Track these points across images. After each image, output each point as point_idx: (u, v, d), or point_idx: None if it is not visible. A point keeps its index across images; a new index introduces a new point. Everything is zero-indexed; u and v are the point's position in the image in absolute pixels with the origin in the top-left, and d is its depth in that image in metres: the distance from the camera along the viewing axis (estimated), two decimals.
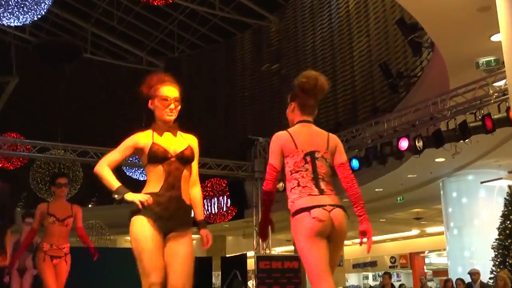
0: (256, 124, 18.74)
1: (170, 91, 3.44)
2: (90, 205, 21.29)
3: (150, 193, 3.16)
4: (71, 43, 16.90)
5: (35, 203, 7.65)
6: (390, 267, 23.37)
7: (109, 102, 22.58)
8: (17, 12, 10.56)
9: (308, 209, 3.05)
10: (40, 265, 5.61)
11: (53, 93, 21.06)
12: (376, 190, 14.05)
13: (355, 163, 10.61)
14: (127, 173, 15.74)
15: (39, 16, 10.90)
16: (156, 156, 3.20)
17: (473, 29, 7.79)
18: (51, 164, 14.49)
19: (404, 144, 9.46)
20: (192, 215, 3.41)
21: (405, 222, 19.18)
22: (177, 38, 20.59)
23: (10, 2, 10.40)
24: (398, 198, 15.21)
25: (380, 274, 19.94)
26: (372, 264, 24.82)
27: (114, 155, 3.35)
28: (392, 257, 23.94)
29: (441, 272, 21.31)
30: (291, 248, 18.54)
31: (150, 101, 3.45)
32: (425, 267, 23.59)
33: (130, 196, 3.13)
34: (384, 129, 10.20)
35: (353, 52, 16.03)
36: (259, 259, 12.10)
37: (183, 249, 3.20)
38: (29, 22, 11.33)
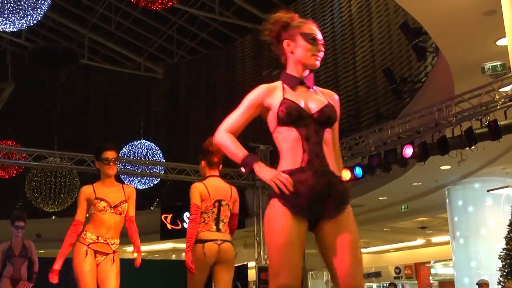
0: (256, 131, 18.42)
1: (315, 30, 2.66)
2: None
3: (290, 171, 2.46)
4: (68, 49, 16.74)
5: (30, 213, 7.46)
6: (395, 277, 23.11)
7: (106, 109, 22.42)
8: (12, 18, 10.37)
9: (203, 241, 4.35)
10: (79, 262, 4.34)
11: (49, 100, 20.88)
12: (380, 198, 13.88)
13: (358, 170, 10.44)
14: (125, 182, 15.48)
15: (35, 22, 10.73)
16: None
17: (479, 34, 7.72)
18: (48, 172, 14.29)
19: (408, 151, 9.34)
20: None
21: (410, 231, 18.95)
22: (176, 44, 20.42)
23: (5, 7, 10.22)
24: (403, 207, 15.02)
25: (385, 285, 19.73)
26: (376, 275, 24.54)
27: (236, 118, 2.69)
28: (397, 268, 23.68)
29: (447, 283, 21.02)
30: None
31: (286, 41, 2.66)
32: (430, 277, 23.32)
33: (263, 172, 2.45)
34: (388, 136, 10.06)
35: (356, 58, 15.83)
36: (260, 269, 11.95)
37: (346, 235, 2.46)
38: (25, 27, 11.15)
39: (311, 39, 2.61)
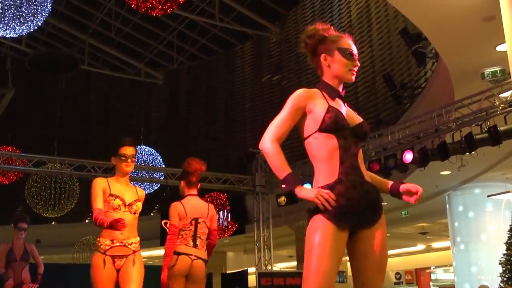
0: (257, 136, 18.41)
1: (352, 45, 2.74)
2: (87, 221, 21.04)
3: (328, 185, 2.50)
4: (68, 55, 16.76)
5: (30, 218, 7.38)
6: (395, 283, 23.06)
7: (107, 114, 22.42)
8: (13, 24, 10.39)
9: (178, 254, 4.67)
10: (96, 274, 4.11)
11: (49, 105, 20.89)
12: None
13: None
14: None
15: (35, 28, 10.75)
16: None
17: (478, 39, 7.71)
18: (47, 178, 14.27)
19: (408, 156, 9.34)
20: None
21: (410, 237, 18.91)
22: (176, 49, 20.43)
23: (6, 13, 10.23)
24: (403, 212, 14.97)
25: None
26: None
27: (281, 124, 2.58)
28: (397, 273, 23.62)
29: None
30: (294, 264, 18.26)
31: (323, 55, 2.67)
32: (431, 283, 23.26)
33: (304, 193, 2.48)
34: (388, 142, 10.06)
35: None
36: (260, 275, 11.91)
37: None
38: (26, 33, 11.16)
39: (348, 54, 2.67)
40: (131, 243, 4.22)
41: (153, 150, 16.04)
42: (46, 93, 21.42)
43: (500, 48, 7.69)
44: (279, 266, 22.85)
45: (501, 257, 10.66)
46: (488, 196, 12.19)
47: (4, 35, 10.70)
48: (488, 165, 10.96)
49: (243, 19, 17.80)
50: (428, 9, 7.14)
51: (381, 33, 14.75)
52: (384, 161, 9.89)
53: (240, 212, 15.29)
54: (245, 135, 19.31)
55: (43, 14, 10.50)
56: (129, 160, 4.26)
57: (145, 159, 15.41)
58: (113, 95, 22.64)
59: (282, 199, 12.04)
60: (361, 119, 2.70)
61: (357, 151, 2.59)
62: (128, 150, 4.27)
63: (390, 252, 22.41)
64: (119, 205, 4.17)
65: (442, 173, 11.30)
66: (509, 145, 8.67)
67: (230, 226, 15.47)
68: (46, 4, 10.00)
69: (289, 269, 21.08)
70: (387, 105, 14.43)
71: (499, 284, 10.59)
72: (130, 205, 4.22)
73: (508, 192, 11.93)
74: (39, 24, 10.70)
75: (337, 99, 2.67)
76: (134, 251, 4.23)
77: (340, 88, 2.72)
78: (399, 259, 23.28)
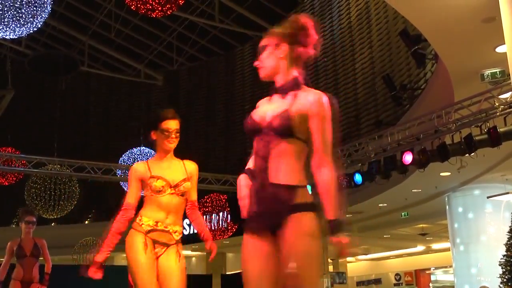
0: None
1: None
2: (86, 222, 21.03)
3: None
4: (68, 56, 16.75)
5: None
6: (395, 284, 23.06)
7: (106, 116, 22.41)
8: (12, 25, 10.38)
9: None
10: (135, 255, 3.51)
11: (49, 107, 20.88)
12: (380, 205, 13.84)
13: (358, 177, 10.44)
14: (125, 188, 15.45)
15: (35, 29, 10.73)
16: None
17: (478, 41, 7.71)
18: (47, 179, 14.26)
19: (408, 158, 9.35)
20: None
21: (410, 238, 18.90)
22: (176, 51, 20.43)
23: (5, 14, 10.23)
24: (403, 214, 14.97)
25: None
26: (376, 282, 24.46)
27: None
28: (397, 274, 23.62)
29: None
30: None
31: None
32: (431, 284, 23.25)
33: None
34: (388, 143, 10.05)
35: (356, 64, 15.83)
36: None
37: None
38: (25, 34, 11.16)
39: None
40: (175, 231, 3.63)
41: (153, 151, 16.02)
42: (45, 94, 21.41)
43: (499, 49, 7.69)
44: None
45: (501, 258, 10.66)
46: (488, 197, 12.17)
47: (4, 36, 10.69)
48: (487, 166, 10.94)
49: (243, 20, 17.81)
50: (427, 11, 7.14)
51: (381, 35, 14.75)
52: (383, 162, 9.90)
53: (240, 213, 15.24)
54: (245, 136, 19.19)
55: (43, 15, 10.50)
56: (173, 135, 3.70)
57: (144, 160, 15.40)
58: (113, 97, 22.64)
59: None
60: (281, 110, 2.48)
61: (270, 151, 2.45)
62: (171, 124, 3.72)
63: (390, 253, 22.44)
64: (162, 187, 3.59)
65: (441, 174, 11.27)
66: (509, 147, 8.67)
67: (229, 227, 15.46)
68: (46, 5, 10.00)
69: None
70: (386, 106, 14.43)
71: (499, 285, 10.59)
72: (176, 186, 3.62)
73: (507, 193, 11.91)
74: (39, 26, 10.68)
75: (276, 95, 2.61)
76: (177, 241, 3.66)
77: (280, 82, 2.64)
78: (399, 260, 23.28)
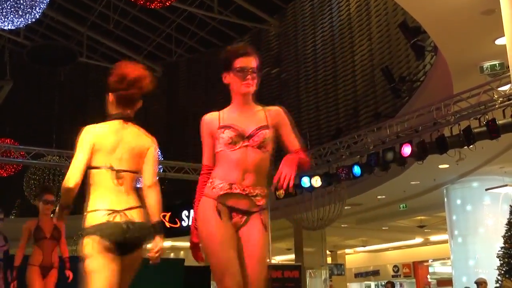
0: None
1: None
2: (85, 213, 21.01)
3: None
4: (66, 47, 16.71)
5: (28, 211, 7.28)
6: (393, 276, 23.13)
7: (105, 107, 22.37)
8: (11, 16, 10.35)
9: None
10: (208, 226, 2.81)
11: (47, 98, 20.86)
12: (379, 197, 13.88)
13: (356, 169, 10.45)
14: None
15: (33, 20, 10.70)
16: None
17: (477, 33, 7.70)
18: (46, 170, 14.26)
19: (407, 150, 9.35)
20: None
21: (408, 230, 18.98)
22: (175, 42, 20.38)
23: (4, 5, 10.20)
24: (401, 206, 15.02)
25: (383, 283, 19.74)
26: (374, 273, 24.57)
27: None
28: (395, 266, 23.72)
29: (445, 281, 21.06)
30: (292, 257, 18.28)
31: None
32: (429, 276, 23.36)
33: None
34: (387, 135, 10.05)
35: (355, 56, 15.81)
36: None
37: None
38: (24, 25, 11.13)
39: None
40: (256, 194, 2.85)
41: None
42: (44, 85, 21.38)
43: (499, 41, 7.68)
44: (277, 259, 22.90)
45: (499, 251, 10.70)
46: (486, 189, 12.22)
47: (2, 27, 10.66)
48: (486, 159, 10.98)
49: (242, 12, 17.76)
50: (427, 3, 7.13)
51: (380, 27, 14.72)
52: (382, 155, 9.89)
53: None
54: None
55: (41, 6, 10.47)
56: (249, 76, 2.94)
57: None
58: None
59: (280, 192, 12.03)
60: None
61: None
62: (247, 62, 2.96)
63: (388, 245, 22.51)
64: (231, 138, 2.86)
65: (440, 166, 11.31)
66: (508, 139, 8.68)
67: None
68: None
69: (287, 262, 21.13)
70: (385, 98, 14.43)
71: (497, 277, 10.63)
72: (251, 136, 2.86)
73: (506, 185, 11.96)
74: (37, 17, 10.65)
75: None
76: (261, 209, 2.88)
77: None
78: (397, 252, 23.37)
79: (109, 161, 3.04)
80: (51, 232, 5.91)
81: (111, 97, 3.27)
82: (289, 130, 2.99)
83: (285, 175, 2.70)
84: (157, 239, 2.99)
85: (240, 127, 2.89)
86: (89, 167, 3.03)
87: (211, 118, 3.02)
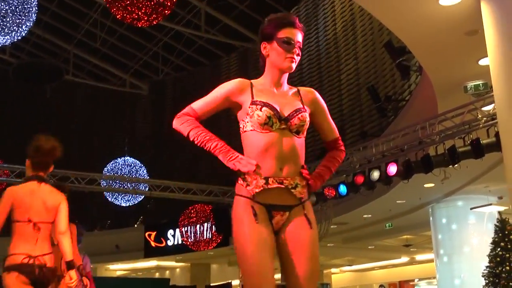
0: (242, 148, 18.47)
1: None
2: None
3: None
4: (53, 65, 16.65)
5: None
6: None
7: (91, 125, 22.28)
8: None
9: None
10: (242, 228, 2.45)
11: (33, 115, 20.72)
12: (364, 216, 13.85)
13: (342, 188, 10.47)
14: (109, 199, 15.36)
15: (19, 38, 10.65)
16: None
17: (461, 53, 7.77)
18: None
19: (392, 169, 9.39)
20: None
21: (394, 249, 18.95)
22: (162, 60, 20.41)
23: None
24: (387, 225, 15.00)
25: None
26: None
27: None
28: (381, 285, 23.65)
29: None
30: (278, 276, 18.16)
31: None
32: None
33: None
34: (372, 154, 10.10)
35: (341, 75, 15.91)
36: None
37: None
38: (10, 43, 11.06)
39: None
40: (296, 186, 2.48)
41: (137, 161, 15.97)
42: (30, 103, 21.25)
43: (482, 62, 7.75)
44: None
45: (484, 270, 10.67)
46: (471, 208, 12.21)
47: None
48: (471, 178, 11.01)
49: (229, 31, 17.85)
50: (412, 23, 7.19)
51: (366, 46, 14.84)
52: (368, 173, 9.92)
53: (225, 224, 15.21)
54: (231, 146, 19.28)
55: (28, 24, 10.43)
56: (295, 50, 2.56)
57: (128, 170, 15.34)
58: (98, 106, 22.52)
59: None
60: None
61: None
62: (294, 33, 2.56)
63: (374, 264, 22.46)
64: (267, 117, 2.48)
65: (425, 185, 11.32)
66: (492, 158, 8.73)
67: (214, 238, 15.39)
68: (31, 14, 9.94)
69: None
70: (371, 117, 14.50)
71: None
72: (288, 119, 2.51)
73: (490, 204, 11.98)
74: (24, 34, 10.61)
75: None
76: (302, 201, 2.51)
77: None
78: (383, 272, 23.31)
79: (28, 215, 3.84)
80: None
81: (27, 162, 4.07)
82: (327, 116, 2.72)
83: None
84: (71, 273, 3.91)
85: (277, 106, 2.52)
86: (13, 220, 3.84)
87: (242, 85, 2.61)
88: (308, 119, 2.57)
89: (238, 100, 2.59)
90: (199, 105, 2.64)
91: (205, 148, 2.57)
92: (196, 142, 2.57)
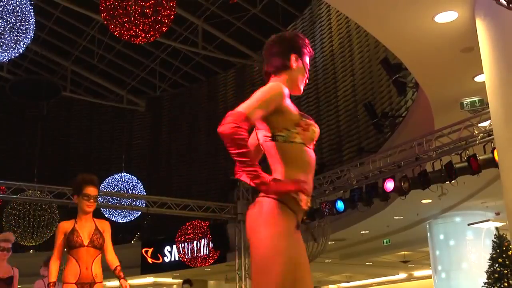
0: None
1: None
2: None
3: None
4: (50, 81, 16.68)
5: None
6: None
7: (88, 141, 22.27)
8: None
9: None
10: (287, 241, 2.31)
11: (30, 132, 20.70)
12: (362, 232, 13.83)
13: (340, 204, 10.45)
14: (106, 215, 15.28)
15: (17, 54, 10.67)
16: None
17: (457, 70, 7.80)
18: (26, 205, 14.04)
19: (389, 185, 9.37)
20: None
21: (392, 265, 18.88)
22: (159, 77, 20.45)
23: None
24: (385, 241, 14.98)
25: None
26: None
27: None
28: None
29: None
30: None
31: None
32: None
33: None
34: (370, 170, 10.08)
35: (338, 92, 15.96)
36: None
37: None
38: (7, 60, 11.07)
39: None
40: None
41: (134, 178, 15.94)
42: (27, 119, 21.25)
43: (478, 78, 7.77)
44: None
45: (482, 286, 10.67)
46: (469, 224, 12.22)
47: None
48: (468, 194, 11.01)
49: (226, 47, 17.92)
50: (408, 41, 7.23)
51: (363, 63, 14.91)
52: (365, 190, 9.92)
53: (222, 240, 15.17)
54: (227, 162, 19.27)
55: (26, 41, 10.45)
56: (307, 74, 2.66)
57: (125, 186, 15.30)
58: (95, 122, 22.53)
59: None
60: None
61: None
62: (309, 58, 2.70)
63: (372, 280, 22.36)
64: (316, 133, 2.56)
65: (423, 201, 11.32)
66: (489, 174, 8.73)
67: (211, 255, 15.33)
68: (28, 31, 9.97)
69: None
70: (368, 133, 14.52)
71: None
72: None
73: (488, 220, 11.98)
74: (21, 51, 10.62)
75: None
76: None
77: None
78: None
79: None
80: (90, 237, 4.61)
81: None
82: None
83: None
84: None
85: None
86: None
87: (286, 94, 2.43)
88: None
89: (282, 107, 2.44)
90: (256, 116, 2.38)
91: (246, 175, 2.33)
92: (241, 166, 2.31)
